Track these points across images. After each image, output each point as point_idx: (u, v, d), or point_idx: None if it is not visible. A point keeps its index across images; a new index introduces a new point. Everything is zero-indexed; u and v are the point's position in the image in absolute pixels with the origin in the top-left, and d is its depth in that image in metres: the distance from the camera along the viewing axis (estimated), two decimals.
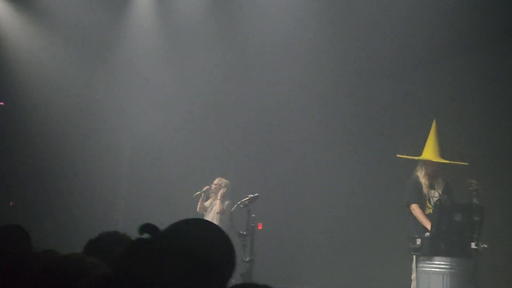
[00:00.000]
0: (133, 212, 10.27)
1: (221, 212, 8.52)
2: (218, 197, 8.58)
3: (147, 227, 1.44)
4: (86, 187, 10.12)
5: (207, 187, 8.71)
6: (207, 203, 8.76)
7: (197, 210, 8.72)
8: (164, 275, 1.35)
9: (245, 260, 6.56)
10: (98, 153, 10.32)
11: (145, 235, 1.40)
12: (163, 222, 8.42)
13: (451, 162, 6.88)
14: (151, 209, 9.83)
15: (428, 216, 6.70)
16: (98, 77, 10.25)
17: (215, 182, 8.70)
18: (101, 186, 10.26)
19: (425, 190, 6.89)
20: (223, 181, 8.70)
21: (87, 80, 10.18)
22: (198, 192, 8.71)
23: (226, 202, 8.56)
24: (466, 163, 6.87)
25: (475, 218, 6.25)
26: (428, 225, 6.57)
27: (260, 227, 7.04)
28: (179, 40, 9.94)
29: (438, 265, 6.42)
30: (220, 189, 8.63)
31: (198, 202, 8.74)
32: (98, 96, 10.27)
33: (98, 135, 10.31)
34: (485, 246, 6.26)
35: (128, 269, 1.37)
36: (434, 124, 7.04)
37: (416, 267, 6.58)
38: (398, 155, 7.13)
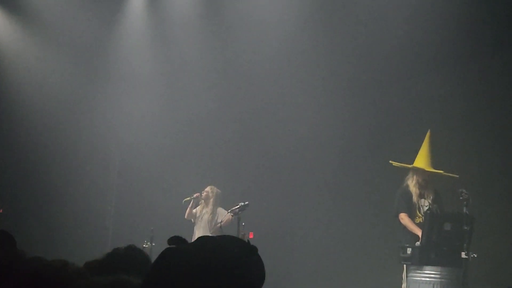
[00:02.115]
0: (123, 219, 10.22)
1: (212, 221, 8.50)
2: (210, 206, 8.56)
3: (175, 239, 1.50)
4: (75, 194, 10.06)
5: (197, 194, 8.70)
6: (195, 210, 8.73)
7: (185, 217, 8.70)
8: (190, 281, 1.38)
9: None
10: (87, 159, 10.27)
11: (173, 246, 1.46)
12: (153, 229, 8.36)
13: (443, 173, 6.89)
14: (141, 216, 9.80)
15: (418, 225, 6.71)
16: (89, 84, 10.21)
17: (206, 189, 8.69)
18: (91, 193, 10.21)
19: (415, 199, 6.90)
20: (214, 189, 8.68)
21: (77, 87, 10.14)
22: (187, 198, 8.69)
23: (217, 211, 8.54)
24: (457, 176, 6.89)
25: (465, 228, 6.26)
26: (418, 232, 6.58)
27: (251, 236, 7.02)
28: (172, 47, 9.93)
29: (428, 274, 6.43)
30: (211, 197, 8.61)
31: (187, 208, 8.72)
32: (89, 102, 10.24)
33: (87, 141, 10.26)
34: (475, 255, 6.28)
35: (159, 277, 1.41)
36: (428, 134, 7.06)
37: (407, 276, 6.58)
38: (391, 162, 7.13)
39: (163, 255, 1.46)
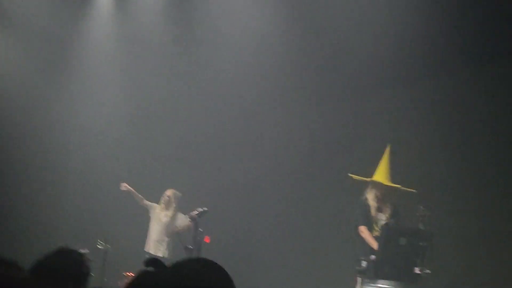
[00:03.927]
0: (77, 219, 10.03)
1: (171, 225, 8.41)
2: (171, 210, 8.46)
3: (152, 261, 1.49)
4: (28, 191, 9.83)
5: (124, 184, 8.59)
6: (153, 208, 8.59)
7: (140, 202, 8.60)
8: None
9: None
10: (44, 156, 10.05)
11: (150, 269, 1.45)
12: (108, 231, 8.21)
13: (401, 187, 6.96)
14: (99, 218, 9.64)
15: (376, 239, 6.75)
16: (51, 80, 10.00)
17: (167, 193, 8.57)
18: (45, 191, 9.98)
19: (373, 212, 6.95)
20: (177, 193, 8.57)
21: (38, 82, 9.91)
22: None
23: (177, 216, 8.45)
24: (415, 190, 6.96)
25: (420, 243, 6.34)
26: (376, 246, 6.63)
27: (207, 241, 6.94)
28: (137, 48, 9.83)
29: None
30: (173, 202, 8.50)
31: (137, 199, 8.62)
32: (48, 99, 10.01)
33: (45, 138, 10.04)
34: (428, 271, 6.35)
35: None
36: (388, 149, 7.13)
37: None
38: (350, 174, 7.18)
39: (139, 278, 1.46)
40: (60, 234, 9.35)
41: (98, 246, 7.63)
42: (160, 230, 8.45)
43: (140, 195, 8.68)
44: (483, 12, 7.07)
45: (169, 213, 8.49)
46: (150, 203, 8.67)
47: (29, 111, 9.93)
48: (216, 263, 1.52)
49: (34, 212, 9.79)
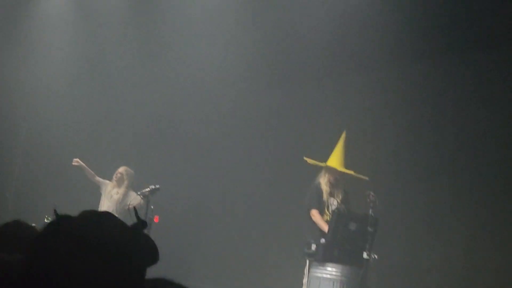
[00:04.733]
0: (26, 192, 9.83)
1: (122, 202, 8.32)
2: (123, 188, 8.36)
3: (60, 217, 1.41)
4: None
5: (76, 159, 8.47)
6: (104, 185, 8.49)
7: (91, 179, 8.47)
8: (75, 261, 1.32)
9: None
10: None
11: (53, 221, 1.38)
12: (56, 205, 8.06)
13: (354, 174, 7.05)
14: (48, 193, 9.48)
15: (325, 223, 6.84)
16: (3, 55, 9.72)
17: (119, 170, 8.46)
18: None
19: (325, 197, 7.03)
20: (129, 171, 8.48)
21: None
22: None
23: (129, 193, 8.36)
24: (367, 178, 7.06)
25: (369, 229, 6.44)
26: (327, 230, 6.71)
27: (156, 220, 6.92)
28: (95, 29, 9.66)
29: (330, 271, 6.56)
30: (125, 180, 8.40)
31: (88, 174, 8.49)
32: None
33: None
34: (376, 256, 6.48)
35: (40, 256, 1.33)
36: (343, 135, 7.21)
37: (309, 272, 6.70)
38: (305, 158, 7.23)
39: (45, 229, 1.39)
40: (7, 208, 9.16)
41: (46, 221, 7.51)
42: (111, 207, 8.35)
43: (92, 171, 8.55)
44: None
45: (121, 190, 8.40)
46: (102, 179, 8.56)
47: None
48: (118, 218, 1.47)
49: None
